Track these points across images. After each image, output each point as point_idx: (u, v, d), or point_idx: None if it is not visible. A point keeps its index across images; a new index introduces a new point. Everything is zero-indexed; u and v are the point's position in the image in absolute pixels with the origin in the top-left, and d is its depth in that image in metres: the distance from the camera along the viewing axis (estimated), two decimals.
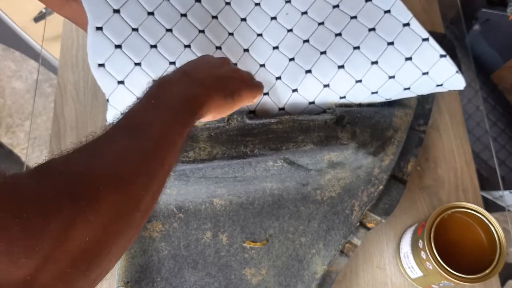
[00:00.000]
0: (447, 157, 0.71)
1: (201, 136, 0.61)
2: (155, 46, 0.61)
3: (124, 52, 0.60)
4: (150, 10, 0.63)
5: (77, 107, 0.73)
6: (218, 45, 0.65)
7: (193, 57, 0.63)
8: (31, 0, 1.06)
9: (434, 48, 0.62)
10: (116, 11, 0.61)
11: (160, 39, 0.62)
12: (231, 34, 0.67)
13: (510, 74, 1.00)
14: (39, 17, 1.08)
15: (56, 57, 0.81)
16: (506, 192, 0.90)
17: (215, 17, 0.66)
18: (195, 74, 0.48)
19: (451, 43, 0.71)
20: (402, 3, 0.64)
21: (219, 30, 0.66)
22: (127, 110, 0.42)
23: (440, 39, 0.65)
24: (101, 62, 0.59)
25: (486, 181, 0.86)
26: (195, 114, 0.45)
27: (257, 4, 0.69)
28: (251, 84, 0.55)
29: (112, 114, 0.62)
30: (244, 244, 0.62)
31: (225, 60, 0.55)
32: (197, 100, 0.46)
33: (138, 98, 0.44)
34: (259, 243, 0.62)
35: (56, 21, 0.87)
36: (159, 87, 0.45)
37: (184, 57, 0.62)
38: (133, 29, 0.61)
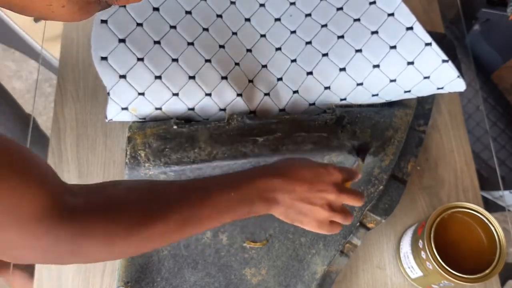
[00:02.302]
0: (447, 157, 0.71)
1: (201, 136, 0.61)
2: (158, 42, 0.62)
3: (127, 46, 0.60)
4: (155, 6, 0.63)
5: (77, 107, 0.73)
6: (221, 44, 0.65)
7: (195, 55, 0.63)
8: None
9: (436, 53, 0.62)
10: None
11: (164, 35, 0.62)
12: (234, 33, 0.67)
13: (510, 74, 1.00)
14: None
15: (56, 57, 0.81)
16: (506, 192, 0.90)
17: (219, 16, 0.67)
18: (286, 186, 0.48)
19: (451, 43, 0.71)
20: (406, 6, 0.63)
21: (223, 29, 0.66)
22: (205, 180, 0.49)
23: (440, 39, 0.65)
24: (104, 56, 0.60)
25: (486, 181, 0.86)
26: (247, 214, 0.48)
27: (262, 5, 0.69)
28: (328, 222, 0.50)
29: (113, 108, 0.62)
30: (244, 244, 0.62)
31: (329, 187, 0.49)
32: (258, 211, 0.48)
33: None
34: (259, 243, 0.62)
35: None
36: (248, 188, 0.47)
37: (187, 55, 0.62)
38: (138, 24, 0.61)
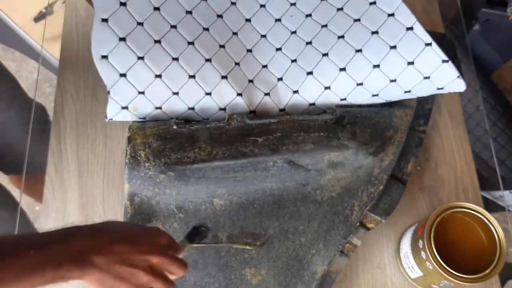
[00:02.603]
0: (447, 157, 0.71)
1: (201, 136, 0.61)
2: (159, 42, 0.62)
3: (128, 45, 0.60)
4: (156, 5, 0.63)
5: (77, 107, 0.73)
6: (221, 43, 0.65)
7: (195, 54, 0.63)
8: (31, 0, 1.06)
9: (436, 53, 0.61)
10: (123, 4, 0.61)
11: (165, 34, 0.62)
12: (235, 33, 0.67)
13: (510, 74, 1.00)
14: (39, 17, 1.08)
15: (56, 57, 0.81)
16: (506, 192, 0.90)
17: (220, 16, 0.67)
18: (95, 247, 0.42)
19: (451, 43, 0.71)
20: (406, 6, 0.63)
21: (223, 29, 0.66)
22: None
23: (440, 39, 0.65)
24: (104, 54, 0.60)
25: (486, 181, 0.86)
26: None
27: (262, 6, 0.69)
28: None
29: (113, 107, 0.62)
30: (236, 246, 0.62)
31: (154, 250, 0.44)
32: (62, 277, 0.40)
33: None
34: (253, 245, 0.62)
35: (56, 21, 0.87)
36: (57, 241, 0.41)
37: (187, 54, 0.63)
38: (138, 23, 0.62)
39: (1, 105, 0.85)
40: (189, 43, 0.63)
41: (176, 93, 0.62)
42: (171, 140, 0.61)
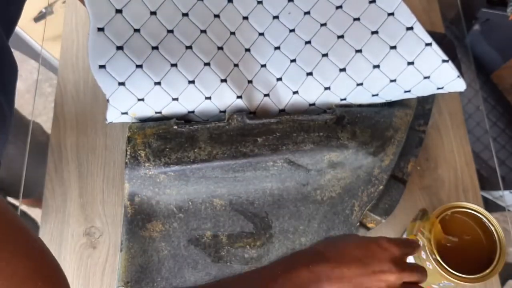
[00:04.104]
0: (447, 157, 0.71)
1: (201, 136, 0.61)
2: (156, 48, 0.61)
3: (125, 53, 0.60)
4: (152, 10, 0.62)
5: (77, 107, 0.73)
6: (219, 45, 0.65)
7: (194, 59, 0.63)
8: (31, 0, 1.06)
9: (436, 53, 0.61)
10: (119, 11, 0.60)
11: (162, 40, 0.62)
12: (232, 33, 0.67)
13: (510, 74, 1.00)
14: (39, 17, 1.08)
15: (56, 57, 0.81)
16: (506, 192, 0.90)
17: (217, 15, 0.66)
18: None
19: (451, 43, 0.71)
20: (406, 6, 0.63)
21: (220, 30, 0.66)
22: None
23: (440, 39, 0.65)
24: (102, 64, 0.59)
25: (486, 181, 0.86)
26: None
27: (260, 2, 0.69)
28: None
29: (112, 113, 0.62)
30: (241, 244, 0.62)
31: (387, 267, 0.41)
32: None
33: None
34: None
35: (56, 21, 0.87)
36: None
37: (186, 59, 0.62)
38: (135, 30, 0.61)
39: (13, 137, 0.85)
40: (187, 47, 0.63)
41: (176, 99, 0.62)
42: (171, 140, 0.61)
